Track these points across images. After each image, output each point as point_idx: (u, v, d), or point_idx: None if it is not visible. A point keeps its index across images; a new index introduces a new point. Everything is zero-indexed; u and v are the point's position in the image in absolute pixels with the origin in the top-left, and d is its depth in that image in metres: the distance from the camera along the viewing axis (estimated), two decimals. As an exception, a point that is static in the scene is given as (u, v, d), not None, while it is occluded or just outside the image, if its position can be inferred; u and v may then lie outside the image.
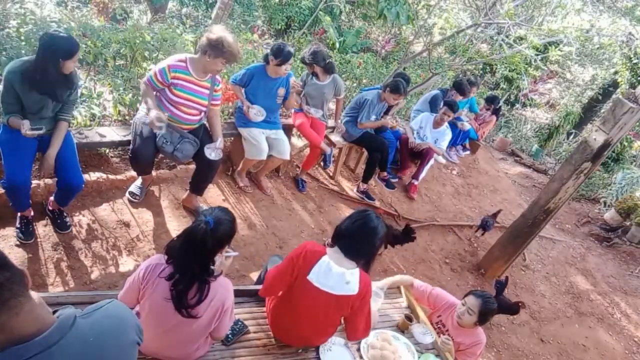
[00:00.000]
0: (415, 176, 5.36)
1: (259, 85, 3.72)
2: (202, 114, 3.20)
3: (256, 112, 3.70)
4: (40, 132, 2.47)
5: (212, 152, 3.20)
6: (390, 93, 4.48)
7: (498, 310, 3.11)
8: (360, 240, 2.07)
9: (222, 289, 1.91)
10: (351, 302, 2.09)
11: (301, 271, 2.05)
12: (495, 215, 5.05)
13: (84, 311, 1.18)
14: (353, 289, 2.06)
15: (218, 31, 2.91)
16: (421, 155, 5.31)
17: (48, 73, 2.44)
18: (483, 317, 2.60)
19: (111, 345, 1.19)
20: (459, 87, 5.71)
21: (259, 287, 2.49)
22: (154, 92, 3.11)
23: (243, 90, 3.78)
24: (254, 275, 3.21)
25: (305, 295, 2.08)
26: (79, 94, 2.82)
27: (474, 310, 2.58)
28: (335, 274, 2.02)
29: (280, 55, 3.56)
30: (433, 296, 2.83)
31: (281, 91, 3.82)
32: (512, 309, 3.62)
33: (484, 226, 4.95)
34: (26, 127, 2.42)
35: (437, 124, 5.28)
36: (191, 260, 1.81)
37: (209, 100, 3.15)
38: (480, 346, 2.65)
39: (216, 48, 2.88)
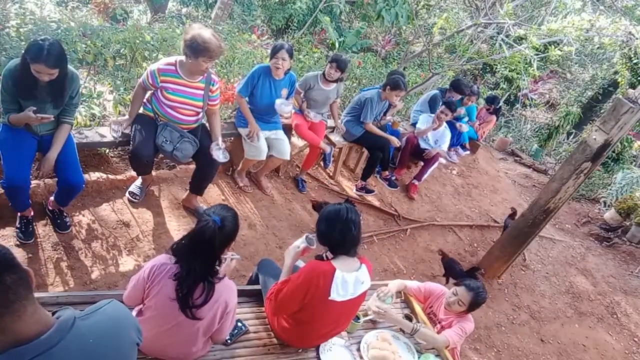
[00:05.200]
0: (418, 177, 5.35)
1: (264, 86, 3.72)
2: (199, 114, 3.19)
3: (286, 104, 3.78)
4: (51, 117, 2.46)
5: (220, 155, 3.19)
6: (392, 90, 4.48)
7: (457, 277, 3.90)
8: (352, 237, 2.10)
9: (227, 290, 1.92)
10: (367, 292, 2.25)
11: (318, 294, 2.05)
12: (512, 216, 4.96)
13: (83, 312, 1.18)
14: (367, 284, 2.18)
15: (192, 29, 2.85)
16: (422, 156, 5.31)
17: (27, 74, 2.34)
18: (472, 308, 2.64)
19: (111, 346, 1.19)
20: (457, 86, 5.70)
21: (257, 286, 2.50)
22: (149, 93, 3.13)
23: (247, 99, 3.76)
24: (254, 275, 3.22)
25: (329, 313, 2.13)
26: (79, 98, 2.79)
27: (464, 302, 2.61)
28: (351, 282, 2.09)
29: (272, 51, 3.60)
30: (428, 291, 2.88)
31: (284, 92, 3.82)
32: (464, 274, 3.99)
33: (507, 227, 4.89)
34: (35, 114, 2.38)
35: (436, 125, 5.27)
36: (199, 260, 1.82)
37: (204, 101, 3.13)
38: (468, 324, 2.66)
39: (192, 47, 2.81)
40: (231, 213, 1.90)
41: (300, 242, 2.37)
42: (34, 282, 1.12)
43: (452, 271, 4.10)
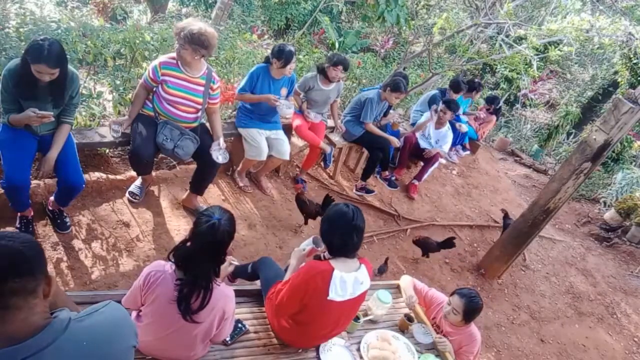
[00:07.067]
0: (418, 177, 5.35)
1: (263, 86, 3.71)
2: (199, 112, 3.19)
3: (287, 105, 3.77)
4: (51, 115, 2.44)
5: (220, 156, 3.19)
6: (392, 92, 4.49)
7: (432, 249, 4.28)
8: (354, 242, 2.09)
9: (224, 297, 1.91)
10: (367, 293, 2.23)
11: (317, 294, 2.04)
12: (506, 216, 4.97)
13: (80, 314, 1.17)
14: (367, 284, 2.16)
15: (185, 21, 2.90)
16: (422, 156, 5.31)
17: (28, 74, 2.33)
18: (468, 316, 2.60)
19: (105, 350, 1.17)
20: (455, 85, 5.69)
21: (257, 286, 2.50)
22: (149, 93, 3.13)
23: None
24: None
25: (328, 313, 2.12)
26: (79, 98, 2.79)
27: (458, 310, 2.58)
28: (350, 282, 2.07)
29: (282, 56, 3.55)
30: (429, 297, 2.85)
31: (283, 91, 3.82)
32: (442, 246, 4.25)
33: (506, 227, 4.90)
34: (36, 112, 2.36)
35: (439, 124, 5.27)
36: (210, 262, 1.82)
37: (204, 97, 3.13)
38: (475, 344, 2.64)
39: (180, 37, 2.84)
40: (228, 215, 1.88)
41: (306, 244, 2.37)
42: (51, 289, 1.11)
43: (428, 247, 4.27)
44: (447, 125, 5.29)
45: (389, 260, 4.02)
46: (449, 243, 4.24)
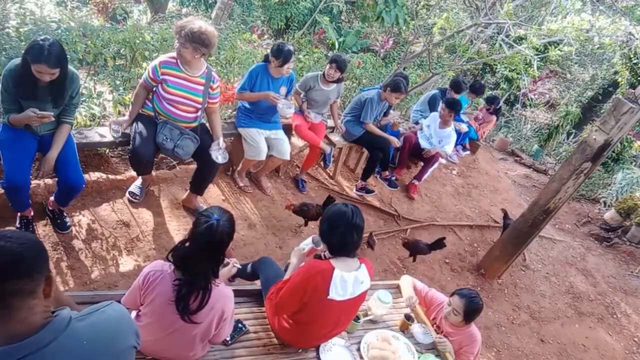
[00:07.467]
0: (418, 177, 5.35)
1: (262, 84, 3.72)
2: (198, 112, 3.19)
3: (287, 105, 3.75)
4: (51, 116, 2.44)
5: (219, 156, 3.19)
6: (392, 92, 4.49)
7: (422, 251, 4.16)
8: (353, 241, 2.09)
9: (223, 297, 1.91)
10: (367, 292, 2.23)
11: (317, 293, 2.04)
12: (506, 216, 4.97)
13: (81, 313, 1.17)
14: (367, 284, 2.16)
15: (185, 19, 2.91)
16: (422, 156, 5.30)
17: (28, 74, 2.33)
18: (469, 316, 2.59)
19: (105, 349, 1.17)
20: (456, 85, 5.68)
21: (257, 286, 2.50)
22: (149, 93, 3.13)
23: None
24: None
25: (328, 312, 2.12)
26: (80, 98, 2.79)
27: (458, 311, 2.57)
28: (350, 281, 2.07)
29: (281, 55, 3.56)
30: (429, 297, 2.84)
31: (282, 90, 3.82)
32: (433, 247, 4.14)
33: (506, 227, 4.89)
34: (36, 112, 2.36)
35: (443, 124, 5.25)
36: (209, 262, 1.82)
37: (204, 97, 3.13)
38: (475, 344, 2.63)
39: (181, 35, 2.86)
40: (227, 215, 1.88)
41: (306, 244, 2.37)
42: (52, 291, 1.11)
43: (417, 249, 4.17)
44: (452, 125, 5.28)
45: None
46: (439, 244, 4.15)
